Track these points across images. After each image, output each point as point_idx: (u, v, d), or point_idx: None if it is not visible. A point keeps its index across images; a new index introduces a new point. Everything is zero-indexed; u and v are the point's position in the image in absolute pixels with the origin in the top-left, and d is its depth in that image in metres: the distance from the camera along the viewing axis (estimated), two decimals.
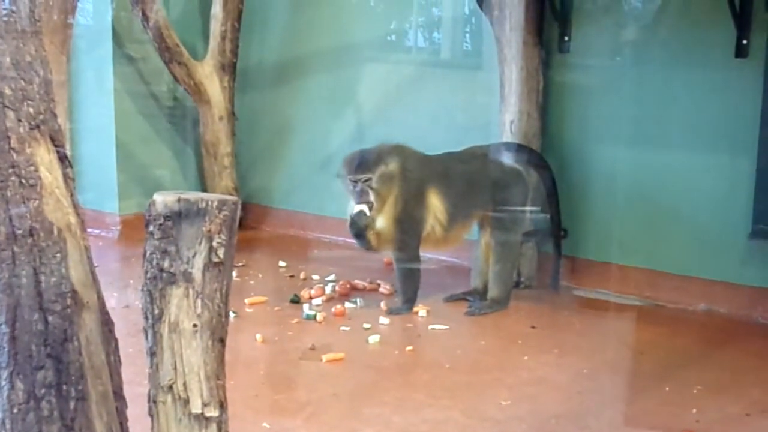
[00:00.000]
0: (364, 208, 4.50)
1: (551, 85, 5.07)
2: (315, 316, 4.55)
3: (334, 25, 5.97)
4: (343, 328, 4.45)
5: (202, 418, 2.00)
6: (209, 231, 1.95)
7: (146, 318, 2.02)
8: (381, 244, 4.67)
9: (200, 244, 1.95)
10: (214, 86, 5.84)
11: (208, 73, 5.82)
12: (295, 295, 4.80)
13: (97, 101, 5.97)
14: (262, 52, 6.21)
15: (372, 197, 4.50)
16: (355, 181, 4.52)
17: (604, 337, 4.42)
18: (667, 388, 3.78)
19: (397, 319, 4.58)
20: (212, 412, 2.00)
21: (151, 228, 1.96)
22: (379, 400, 3.64)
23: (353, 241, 4.73)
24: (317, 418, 3.46)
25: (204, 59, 5.87)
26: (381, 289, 5.01)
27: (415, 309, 4.67)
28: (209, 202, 1.96)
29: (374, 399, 3.66)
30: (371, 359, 4.12)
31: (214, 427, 2.01)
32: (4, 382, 1.97)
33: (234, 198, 2.00)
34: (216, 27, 5.85)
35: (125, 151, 6.00)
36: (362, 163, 4.54)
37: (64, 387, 2.00)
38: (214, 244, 1.96)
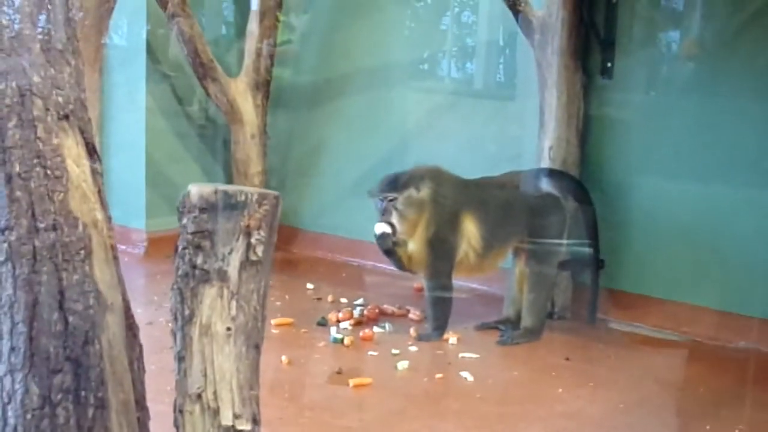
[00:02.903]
0: (386, 228, 4.43)
1: (592, 111, 4.97)
2: (342, 339, 4.45)
3: (371, 46, 5.91)
4: (370, 352, 4.35)
5: (233, 431, 1.86)
6: (248, 226, 1.81)
7: (175, 319, 1.88)
8: (414, 265, 4.58)
9: (237, 240, 1.82)
10: (247, 104, 5.78)
11: (241, 91, 5.76)
12: (323, 318, 4.71)
13: (129, 118, 5.95)
14: (296, 72, 6.16)
15: (395, 218, 4.43)
16: (381, 199, 4.47)
17: (640, 372, 4.28)
18: (708, 427, 3.65)
19: (426, 345, 4.47)
20: (244, 425, 1.84)
21: (184, 221, 1.82)
22: (407, 428, 3.55)
23: (383, 265, 4.66)
24: None
25: (238, 76, 5.81)
26: (410, 315, 4.89)
27: (445, 336, 4.56)
28: (249, 195, 1.82)
29: (402, 426, 3.57)
30: (399, 385, 4.03)
31: None
32: (18, 385, 1.86)
33: (275, 192, 1.87)
34: (251, 44, 5.80)
35: (155, 168, 5.97)
36: (391, 183, 4.51)
37: (83, 393, 1.89)
38: (253, 240, 1.83)
